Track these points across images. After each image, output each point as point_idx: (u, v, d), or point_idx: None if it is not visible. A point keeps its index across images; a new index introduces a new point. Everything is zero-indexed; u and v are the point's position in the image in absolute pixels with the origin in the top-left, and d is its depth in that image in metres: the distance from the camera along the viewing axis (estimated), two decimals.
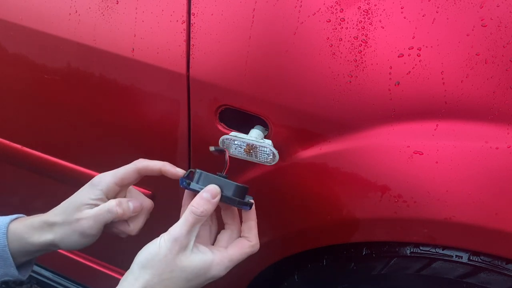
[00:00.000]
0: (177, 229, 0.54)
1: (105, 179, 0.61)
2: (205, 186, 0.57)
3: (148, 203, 0.65)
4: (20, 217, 0.63)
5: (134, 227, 0.63)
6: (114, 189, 0.61)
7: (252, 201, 0.59)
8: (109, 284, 1.09)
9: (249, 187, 0.61)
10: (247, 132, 0.66)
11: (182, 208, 0.62)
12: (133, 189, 0.66)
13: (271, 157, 0.65)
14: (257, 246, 0.59)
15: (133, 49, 0.67)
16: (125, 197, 0.64)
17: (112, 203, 0.60)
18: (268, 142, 0.64)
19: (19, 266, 0.62)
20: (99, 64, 0.71)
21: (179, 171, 0.61)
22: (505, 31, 0.51)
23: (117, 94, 0.73)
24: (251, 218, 0.60)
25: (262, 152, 0.65)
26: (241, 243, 0.59)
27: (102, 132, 0.81)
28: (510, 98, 0.53)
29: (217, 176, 0.59)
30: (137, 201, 0.62)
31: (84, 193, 0.61)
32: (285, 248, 0.77)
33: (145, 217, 0.64)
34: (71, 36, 0.71)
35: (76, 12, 0.70)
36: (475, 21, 0.52)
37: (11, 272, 0.60)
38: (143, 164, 0.62)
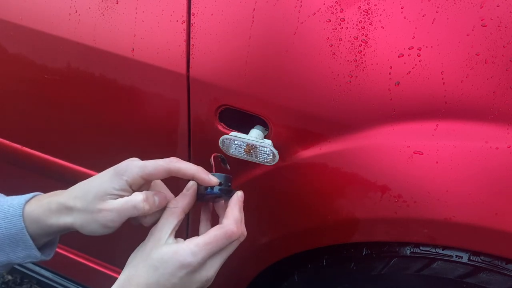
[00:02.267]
0: (155, 225, 0.57)
1: (132, 170, 0.57)
2: None
3: (171, 196, 0.62)
4: (36, 195, 0.60)
5: (150, 220, 0.59)
6: (139, 182, 0.57)
7: (228, 186, 0.59)
8: (109, 284, 1.10)
9: (231, 176, 0.61)
10: (247, 132, 0.66)
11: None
12: (158, 181, 0.63)
13: (271, 157, 0.65)
14: (229, 228, 0.55)
15: (133, 49, 0.67)
16: (149, 188, 0.61)
17: (139, 198, 0.56)
18: (268, 142, 0.64)
19: (42, 247, 0.61)
20: (99, 64, 0.71)
21: (212, 179, 0.58)
22: (505, 31, 0.51)
23: (117, 94, 0.73)
24: (229, 205, 0.58)
25: (262, 152, 0.65)
26: (211, 228, 0.56)
27: (102, 132, 0.81)
28: (510, 98, 0.53)
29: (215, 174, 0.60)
30: (162, 195, 0.59)
31: (108, 181, 0.56)
32: (285, 248, 0.77)
33: (163, 211, 0.61)
34: (71, 36, 0.71)
35: (76, 12, 0.70)
36: (475, 21, 0.52)
37: (33, 254, 0.58)
38: (176, 166, 0.58)
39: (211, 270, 0.56)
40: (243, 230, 0.58)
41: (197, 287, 0.55)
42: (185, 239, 0.56)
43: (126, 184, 0.56)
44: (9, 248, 0.57)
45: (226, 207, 0.59)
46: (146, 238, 0.57)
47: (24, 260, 0.59)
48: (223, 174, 0.60)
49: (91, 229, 0.57)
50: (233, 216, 0.57)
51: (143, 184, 0.58)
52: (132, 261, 0.56)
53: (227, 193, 0.59)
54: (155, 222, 0.59)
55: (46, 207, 0.57)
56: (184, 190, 0.58)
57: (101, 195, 0.55)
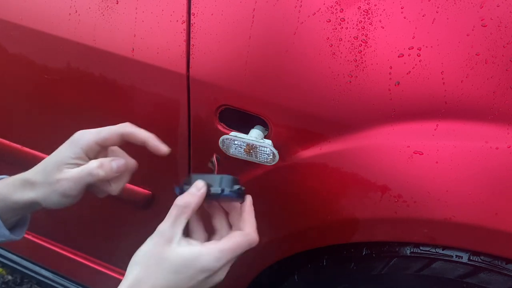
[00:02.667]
0: (162, 223, 0.54)
1: (87, 137, 0.58)
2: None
3: (132, 163, 0.62)
4: (3, 178, 0.61)
5: (116, 188, 0.60)
6: (95, 149, 0.58)
7: (242, 188, 0.57)
8: (109, 284, 1.10)
9: (238, 178, 0.60)
10: (247, 132, 0.66)
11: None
12: (117, 148, 0.63)
13: (271, 157, 0.65)
14: (252, 236, 0.56)
15: (133, 49, 0.67)
16: (106, 156, 0.61)
17: (94, 164, 0.57)
18: (268, 142, 0.64)
19: (13, 227, 0.61)
20: (99, 64, 0.71)
21: (162, 149, 0.58)
22: (505, 31, 0.51)
23: (117, 94, 0.73)
24: (244, 210, 0.58)
25: (262, 152, 0.65)
26: (233, 233, 0.56)
27: None
28: (510, 98, 0.53)
29: (208, 174, 0.58)
30: (121, 161, 0.59)
31: (64, 151, 0.58)
32: (285, 248, 0.77)
33: (128, 177, 0.62)
34: (71, 36, 0.71)
35: (76, 12, 0.70)
36: (475, 21, 0.52)
37: (1, 232, 0.58)
38: (129, 129, 0.59)
39: (224, 273, 0.56)
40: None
41: (209, 287, 0.55)
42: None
43: (82, 152, 0.57)
44: None
45: (239, 216, 0.59)
46: (154, 237, 0.54)
47: None
48: (230, 176, 0.58)
49: (52, 201, 0.57)
50: (253, 223, 0.57)
51: (99, 151, 0.59)
52: (141, 260, 0.53)
53: (239, 195, 0.58)
54: (121, 189, 0.59)
55: (11, 184, 0.59)
56: (195, 190, 0.56)
57: (58, 165, 0.57)
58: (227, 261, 0.54)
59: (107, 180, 0.59)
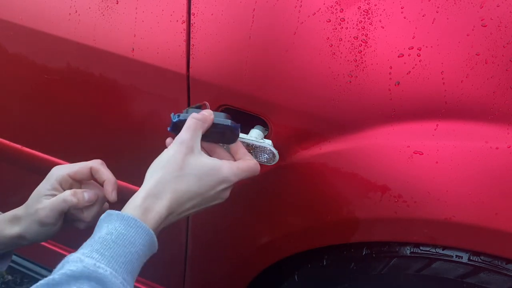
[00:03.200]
0: (181, 134, 0.57)
1: (61, 171, 0.64)
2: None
3: (101, 194, 0.66)
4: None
5: (88, 215, 0.64)
6: (68, 181, 0.64)
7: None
8: None
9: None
10: (247, 132, 0.66)
11: None
12: (92, 182, 0.68)
13: (271, 157, 0.65)
14: (258, 166, 0.61)
15: (133, 49, 0.67)
16: (80, 188, 0.66)
17: (67, 193, 0.62)
18: (268, 142, 0.64)
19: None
20: (99, 64, 0.71)
21: (111, 196, 0.63)
22: (505, 31, 0.51)
23: (117, 94, 0.73)
24: (238, 147, 0.62)
25: (262, 152, 0.65)
26: (245, 159, 0.61)
27: (102, 132, 0.81)
28: (510, 98, 0.53)
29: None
30: (92, 192, 0.64)
31: (43, 185, 0.64)
32: (285, 248, 0.77)
33: (99, 206, 0.66)
34: (71, 36, 0.71)
35: (76, 12, 0.70)
36: (475, 21, 0.52)
37: None
38: (96, 166, 0.65)
39: (229, 192, 0.60)
40: None
41: (218, 201, 0.60)
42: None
43: (56, 183, 0.63)
44: None
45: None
46: (173, 146, 0.57)
47: None
48: (223, 113, 0.62)
49: (32, 232, 0.63)
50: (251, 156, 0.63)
51: (72, 183, 0.65)
52: (163, 167, 0.55)
53: (232, 127, 0.61)
54: (95, 217, 0.64)
55: (2, 219, 0.64)
56: (207, 113, 0.59)
57: (38, 197, 0.63)
58: (239, 179, 0.59)
59: (80, 208, 0.64)
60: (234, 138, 0.62)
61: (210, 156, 0.62)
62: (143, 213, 0.52)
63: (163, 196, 0.53)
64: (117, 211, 0.51)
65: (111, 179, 0.64)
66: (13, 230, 0.63)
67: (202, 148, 0.60)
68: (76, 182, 0.65)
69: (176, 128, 0.60)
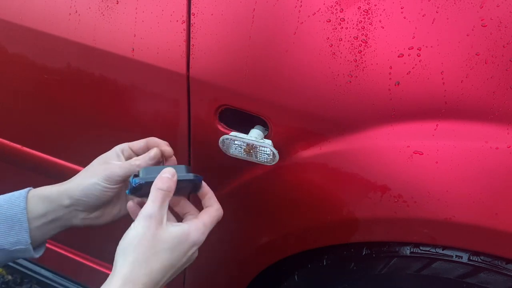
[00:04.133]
0: (148, 207, 0.56)
1: (121, 144, 0.66)
2: (153, 175, 0.58)
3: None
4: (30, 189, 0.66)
5: (105, 218, 0.68)
6: (127, 150, 0.66)
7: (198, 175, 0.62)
8: None
9: (203, 177, 0.63)
10: (247, 132, 0.66)
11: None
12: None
13: (271, 157, 0.65)
14: (221, 211, 0.62)
15: (133, 49, 0.67)
16: None
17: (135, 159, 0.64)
18: (268, 142, 0.64)
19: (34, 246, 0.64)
20: (99, 64, 0.71)
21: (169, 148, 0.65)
22: (505, 31, 0.51)
23: (117, 94, 0.73)
24: (206, 192, 0.62)
25: (262, 152, 0.65)
26: (207, 210, 0.61)
27: (102, 132, 0.81)
28: (510, 98, 0.53)
29: (161, 166, 0.62)
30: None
31: (106, 154, 0.65)
32: (285, 248, 0.77)
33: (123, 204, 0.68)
34: (71, 36, 0.71)
35: (76, 12, 0.70)
36: (475, 21, 0.52)
37: (24, 239, 0.61)
38: (154, 140, 0.66)
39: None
40: None
41: (189, 264, 0.60)
42: None
43: (119, 151, 0.65)
44: (3, 228, 0.60)
45: (188, 204, 0.64)
46: (141, 221, 0.55)
47: (13, 246, 0.61)
48: (183, 165, 0.62)
49: (93, 194, 0.62)
50: (216, 200, 0.63)
51: (131, 153, 0.66)
52: (134, 247, 0.54)
53: (199, 180, 0.61)
54: (114, 216, 0.67)
55: (57, 191, 0.64)
56: (169, 175, 0.58)
57: (103, 160, 0.64)
58: (207, 234, 0.59)
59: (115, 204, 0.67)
60: (198, 187, 0.62)
61: (174, 208, 0.62)
62: None
63: (139, 280, 0.52)
64: None
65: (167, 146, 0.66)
66: (66, 201, 0.63)
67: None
68: (133, 153, 0.66)
69: (136, 191, 0.59)
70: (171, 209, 0.61)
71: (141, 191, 0.59)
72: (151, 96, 0.71)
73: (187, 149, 0.74)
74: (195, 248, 0.58)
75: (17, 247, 0.61)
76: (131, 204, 0.63)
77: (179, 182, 0.59)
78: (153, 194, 0.56)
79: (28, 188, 0.64)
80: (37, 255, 0.64)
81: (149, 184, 0.57)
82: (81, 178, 0.64)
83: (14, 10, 0.74)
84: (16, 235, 0.61)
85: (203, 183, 0.62)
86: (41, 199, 0.62)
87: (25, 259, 1.27)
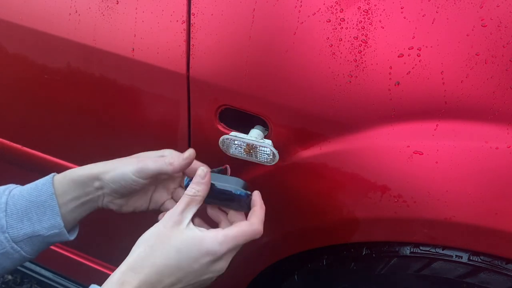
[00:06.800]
0: (172, 209, 0.57)
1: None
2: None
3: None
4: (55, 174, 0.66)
5: (128, 207, 0.67)
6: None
7: (249, 192, 0.61)
8: None
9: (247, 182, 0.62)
10: (247, 132, 0.66)
11: None
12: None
13: (271, 157, 0.65)
14: (257, 227, 0.58)
15: (133, 49, 0.67)
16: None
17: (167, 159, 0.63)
18: (268, 142, 0.64)
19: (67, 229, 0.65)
20: (99, 64, 0.71)
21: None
22: (505, 31, 0.51)
23: (117, 94, 0.73)
24: (256, 204, 0.61)
25: (262, 152, 0.65)
26: (240, 223, 0.59)
27: (102, 132, 0.81)
28: (510, 98, 0.53)
29: (224, 175, 0.63)
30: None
31: (150, 152, 0.66)
32: (285, 248, 0.77)
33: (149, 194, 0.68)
34: (71, 36, 0.71)
35: (76, 12, 0.70)
36: (475, 21, 0.52)
37: (57, 222, 0.62)
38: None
39: (226, 263, 0.58)
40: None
41: (211, 276, 0.57)
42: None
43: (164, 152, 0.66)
44: (36, 216, 0.61)
45: (239, 214, 0.62)
46: (162, 221, 0.56)
47: (48, 231, 0.62)
48: (243, 180, 0.61)
49: (124, 180, 0.62)
50: (260, 216, 0.60)
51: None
52: (146, 241, 0.55)
53: (247, 197, 0.60)
54: (136, 207, 0.67)
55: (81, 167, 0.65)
56: (199, 178, 0.59)
57: (142, 154, 0.66)
58: (230, 248, 0.56)
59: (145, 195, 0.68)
60: (246, 204, 0.60)
61: (217, 224, 0.62)
62: (119, 287, 0.51)
63: (140, 270, 0.52)
64: (97, 286, 0.52)
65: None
66: (96, 183, 0.63)
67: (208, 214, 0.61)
68: None
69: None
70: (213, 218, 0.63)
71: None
72: (151, 96, 0.71)
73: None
74: (209, 257, 0.55)
75: (51, 232, 0.62)
76: (161, 216, 0.63)
77: (219, 192, 0.59)
78: (182, 197, 0.58)
79: (52, 174, 0.65)
80: (72, 237, 0.65)
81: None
82: (115, 165, 0.64)
83: (14, 10, 0.74)
84: (49, 220, 0.62)
85: (257, 201, 0.61)
86: (70, 183, 0.63)
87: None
